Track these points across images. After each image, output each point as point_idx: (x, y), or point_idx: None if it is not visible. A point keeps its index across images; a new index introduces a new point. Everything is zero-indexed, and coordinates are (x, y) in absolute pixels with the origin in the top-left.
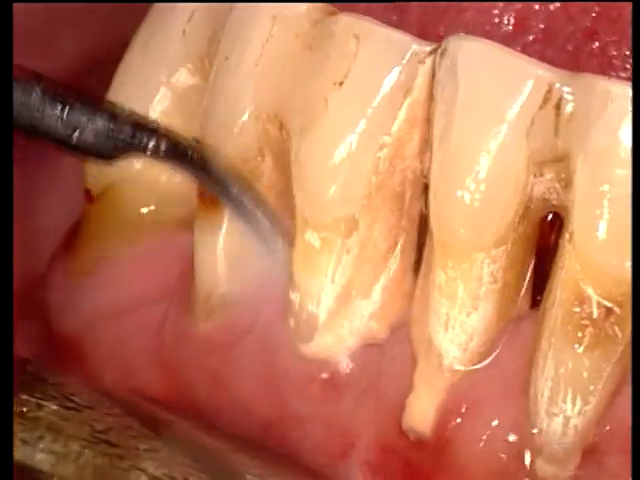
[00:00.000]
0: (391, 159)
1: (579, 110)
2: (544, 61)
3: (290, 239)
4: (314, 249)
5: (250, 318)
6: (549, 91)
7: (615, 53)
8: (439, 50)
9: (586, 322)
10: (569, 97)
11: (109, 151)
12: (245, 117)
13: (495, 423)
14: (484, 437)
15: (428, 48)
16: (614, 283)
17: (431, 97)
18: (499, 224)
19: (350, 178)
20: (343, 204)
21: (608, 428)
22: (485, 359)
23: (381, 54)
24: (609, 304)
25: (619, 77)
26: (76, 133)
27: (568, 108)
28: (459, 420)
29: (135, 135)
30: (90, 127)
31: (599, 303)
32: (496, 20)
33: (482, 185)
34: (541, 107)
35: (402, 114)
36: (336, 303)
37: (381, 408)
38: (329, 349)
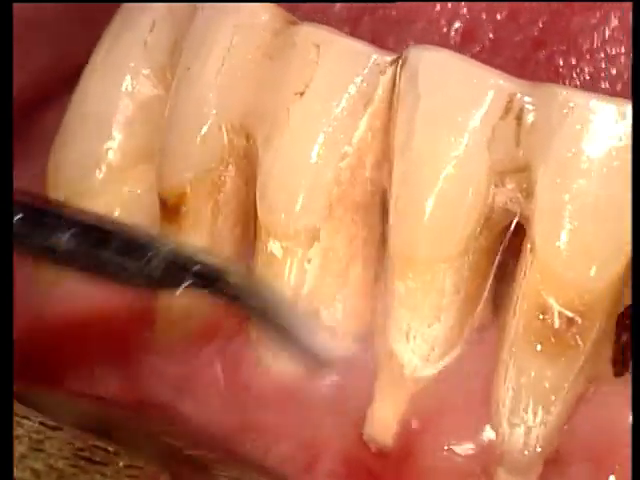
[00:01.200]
0: (352, 169)
1: (540, 120)
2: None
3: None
4: (276, 259)
5: (211, 328)
6: (510, 101)
7: (562, 62)
8: (400, 60)
9: (548, 332)
10: (530, 107)
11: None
12: (207, 127)
13: (457, 433)
14: (446, 447)
15: (389, 58)
16: (576, 293)
17: (392, 107)
18: (460, 235)
19: (312, 188)
20: (305, 214)
21: (570, 438)
22: (447, 369)
23: (342, 64)
24: (571, 314)
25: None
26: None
27: (529, 118)
28: (421, 430)
29: (167, 275)
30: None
31: (561, 313)
32: (444, 30)
33: (443, 196)
34: (502, 117)
35: (363, 124)
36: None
37: (345, 419)
38: (292, 360)
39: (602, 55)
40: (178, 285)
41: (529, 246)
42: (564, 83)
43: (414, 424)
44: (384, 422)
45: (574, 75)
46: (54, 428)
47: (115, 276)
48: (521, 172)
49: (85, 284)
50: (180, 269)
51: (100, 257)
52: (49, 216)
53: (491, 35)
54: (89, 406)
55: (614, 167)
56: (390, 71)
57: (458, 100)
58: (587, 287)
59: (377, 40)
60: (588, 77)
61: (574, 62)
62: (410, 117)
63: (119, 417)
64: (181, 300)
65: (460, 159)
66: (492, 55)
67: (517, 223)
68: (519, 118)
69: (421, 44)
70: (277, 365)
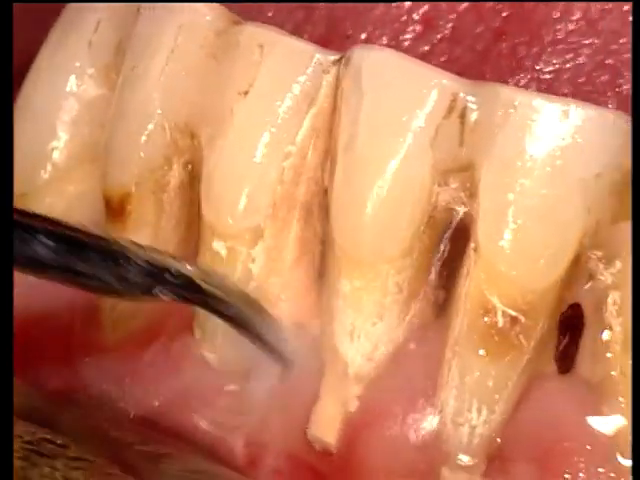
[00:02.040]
0: (296, 169)
1: (483, 119)
2: (451, 60)
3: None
4: (221, 258)
5: (155, 327)
6: (454, 100)
7: (525, 53)
8: (343, 60)
9: (491, 331)
10: (473, 106)
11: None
12: (151, 127)
13: (401, 432)
14: (390, 446)
15: (332, 57)
16: (519, 292)
17: (335, 107)
18: (404, 234)
19: (255, 188)
20: (248, 213)
21: (514, 436)
22: (391, 368)
23: (285, 63)
24: (514, 313)
25: (528, 78)
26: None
27: (472, 117)
28: (365, 429)
29: (144, 285)
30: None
31: (504, 312)
32: (404, 18)
33: (386, 195)
34: (445, 116)
35: (306, 124)
36: None
37: (289, 418)
38: (236, 360)
39: (565, 47)
40: (154, 293)
41: (472, 245)
42: (525, 75)
43: (358, 423)
44: (328, 421)
45: (537, 67)
46: None
47: (92, 286)
48: (465, 171)
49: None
50: (156, 279)
51: (76, 267)
52: (24, 227)
53: (451, 25)
54: (37, 401)
55: (557, 166)
56: (333, 71)
57: (401, 99)
58: (530, 286)
59: (335, 25)
60: (551, 68)
61: (537, 53)
62: (353, 117)
63: (67, 412)
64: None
65: (403, 158)
66: (452, 44)
67: (461, 222)
68: (462, 117)
69: (379, 31)
70: (221, 364)
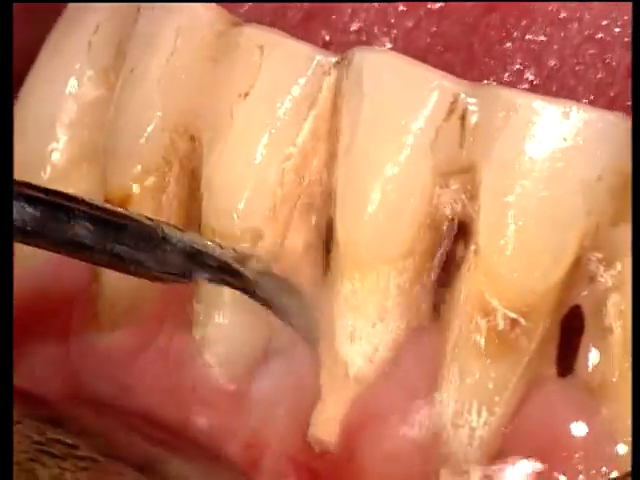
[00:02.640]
0: (297, 171)
1: (484, 121)
2: (439, 33)
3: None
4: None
5: (154, 327)
6: (454, 102)
7: (513, 25)
8: (344, 61)
9: (491, 333)
10: (474, 108)
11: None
12: (151, 129)
13: (401, 434)
14: (390, 448)
15: (333, 59)
16: (519, 294)
17: (336, 109)
18: (405, 236)
19: (255, 189)
20: (248, 215)
21: (513, 439)
22: (391, 370)
23: (285, 65)
24: (514, 315)
25: (516, 47)
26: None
27: (473, 119)
28: (364, 431)
29: (186, 269)
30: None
31: (504, 314)
32: None
33: (387, 197)
34: (446, 118)
35: (307, 126)
36: (243, 314)
37: (289, 419)
38: (236, 360)
39: (555, 19)
40: (195, 277)
41: (472, 247)
42: (513, 46)
43: (357, 425)
44: (328, 422)
45: (525, 37)
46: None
47: (132, 269)
48: (465, 173)
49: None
50: (197, 261)
51: (116, 250)
52: (64, 210)
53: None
54: (41, 400)
55: (558, 168)
56: (334, 72)
57: (402, 101)
58: (531, 288)
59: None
60: (540, 39)
61: (526, 25)
62: (354, 118)
63: (72, 412)
64: (124, 299)
65: (404, 160)
66: (440, 18)
67: (462, 224)
68: (463, 119)
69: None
70: (220, 364)
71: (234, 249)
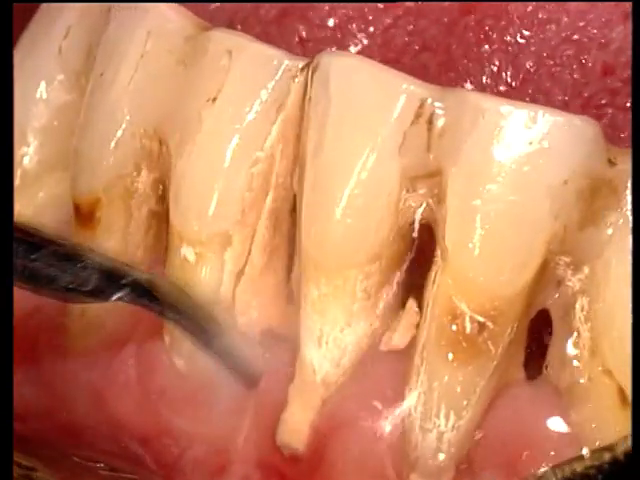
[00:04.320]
0: (265, 175)
1: (451, 125)
2: (416, 32)
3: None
4: (189, 265)
5: (125, 334)
6: (421, 106)
7: (491, 26)
8: (311, 66)
9: (459, 337)
10: (441, 112)
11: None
12: (120, 133)
13: (369, 438)
14: (358, 452)
15: (301, 64)
16: (487, 298)
17: (304, 113)
18: (373, 240)
19: (224, 194)
20: (217, 220)
21: (482, 442)
22: (359, 374)
23: (254, 70)
24: (482, 319)
25: (494, 48)
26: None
27: (440, 123)
28: (333, 435)
29: (100, 287)
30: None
31: (472, 318)
32: None
33: (354, 201)
34: (413, 122)
35: (275, 130)
36: None
37: (258, 424)
38: (205, 365)
39: (533, 21)
40: (110, 296)
41: (440, 251)
42: (491, 47)
43: (326, 429)
44: (296, 427)
45: (503, 39)
46: None
47: (46, 286)
48: (432, 177)
49: None
50: (112, 280)
51: (31, 268)
52: None
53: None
54: None
55: (525, 172)
56: (302, 77)
57: (369, 106)
58: (498, 292)
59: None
60: (517, 41)
61: (504, 26)
62: (321, 123)
63: (38, 435)
64: (93, 307)
65: (371, 165)
66: (418, 17)
67: (429, 228)
68: (430, 123)
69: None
70: (190, 370)
71: (148, 273)
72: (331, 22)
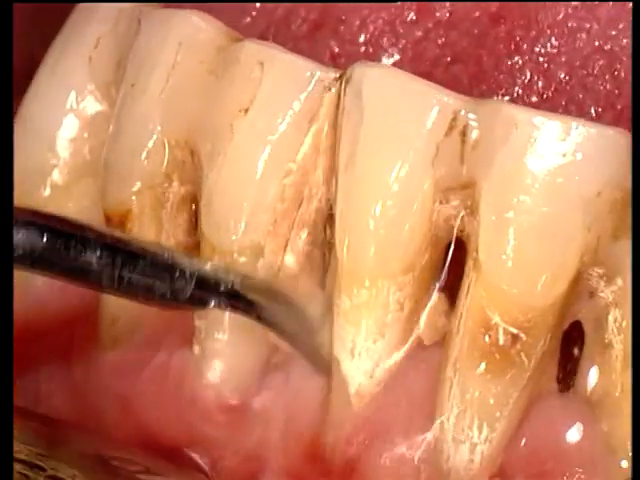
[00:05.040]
0: (297, 186)
1: (484, 137)
2: (447, 44)
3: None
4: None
5: (155, 343)
6: (454, 118)
7: (522, 37)
8: (344, 77)
9: (492, 349)
10: (474, 124)
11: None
12: (151, 143)
13: (402, 449)
14: (391, 463)
15: (333, 75)
16: (520, 310)
17: (337, 124)
18: (405, 251)
19: (255, 205)
20: (248, 231)
21: (515, 454)
22: (392, 386)
23: (286, 81)
24: (515, 331)
25: (525, 59)
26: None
27: (473, 135)
28: (366, 446)
29: (197, 296)
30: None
31: (505, 330)
32: (399, 3)
33: (388, 212)
34: (446, 134)
35: (307, 141)
36: (243, 330)
37: (289, 434)
38: (236, 376)
39: (563, 30)
40: (207, 304)
41: (472, 263)
42: (523, 58)
43: (359, 440)
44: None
45: (534, 49)
46: None
47: (142, 296)
48: (465, 189)
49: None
50: (206, 288)
51: (128, 278)
52: (76, 238)
53: (447, 10)
54: (37, 424)
55: (558, 184)
56: (335, 88)
57: (402, 117)
58: (531, 304)
59: (328, 9)
60: (548, 51)
61: (534, 37)
62: (354, 134)
63: (67, 435)
64: (124, 316)
65: (404, 176)
66: (448, 29)
67: (462, 240)
68: (463, 135)
69: (375, 15)
70: (221, 380)
71: (242, 274)
72: (362, 37)
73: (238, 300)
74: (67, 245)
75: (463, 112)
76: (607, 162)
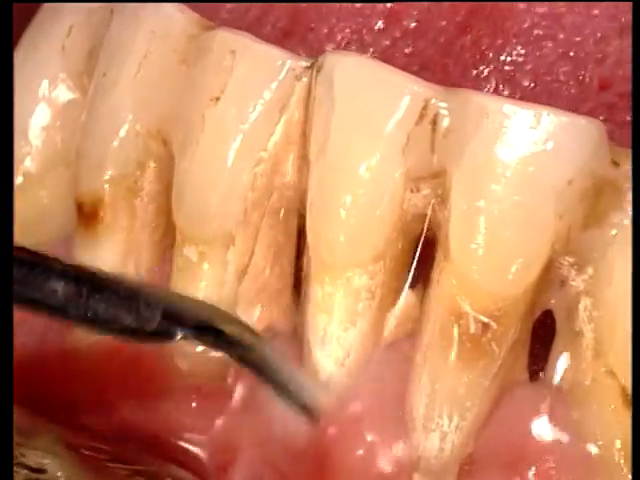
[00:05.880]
0: (268, 175)
1: (455, 126)
2: (415, 53)
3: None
4: (192, 264)
5: None
6: (425, 107)
7: (488, 45)
8: (315, 66)
9: (463, 337)
10: (445, 112)
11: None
12: (123, 132)
13: (373, 438)
14: (362, 452)
15: (304, 64)
16: (491, 299)
17: (308, 113)
18: (376, 240)
19: (226, 194)
20: (219, 220)
21: (486, 443)
22: (363, 374)
23: (257, 70)
24: (486, 319)
25: (491, 68)
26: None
27: (444, 124)
28: (337, 435)
29: (163, 327)
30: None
31: (476, 318)
32: (367, 12)
33: (358, 201)
34: (417, 123)
35: (279, 130)
36: None
37: (261, 422)
38: (208, 363)
39: (528, 39)
40: (173, 336)
41: (443, 252)
42: (488, 66)
43: (330, 429)
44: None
45: (500, 58)
46: None
47: (108, 328)
48: (436, 178)
49: None
50: (175, 320)
51: (93, 308)
52: (39, 268)
53: (414, 19)
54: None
55: (529, 173)
56: (306, 77)
57: (373, 106)
58: (502, 293)
59: (297, 17)
60: (514, 59)
61: (500, 45)
62: (325, 123)
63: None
64: None
65: (375, 165)
66: (415, 38)
67: (433, 229)
68: (434, 124)
69: (341, 24)
70: (193, 368)
71: (212, 306)
72: (330, 46)
73: (207, 332)
74: (30, 275)
75: (434, 101)
76: (579, 151)
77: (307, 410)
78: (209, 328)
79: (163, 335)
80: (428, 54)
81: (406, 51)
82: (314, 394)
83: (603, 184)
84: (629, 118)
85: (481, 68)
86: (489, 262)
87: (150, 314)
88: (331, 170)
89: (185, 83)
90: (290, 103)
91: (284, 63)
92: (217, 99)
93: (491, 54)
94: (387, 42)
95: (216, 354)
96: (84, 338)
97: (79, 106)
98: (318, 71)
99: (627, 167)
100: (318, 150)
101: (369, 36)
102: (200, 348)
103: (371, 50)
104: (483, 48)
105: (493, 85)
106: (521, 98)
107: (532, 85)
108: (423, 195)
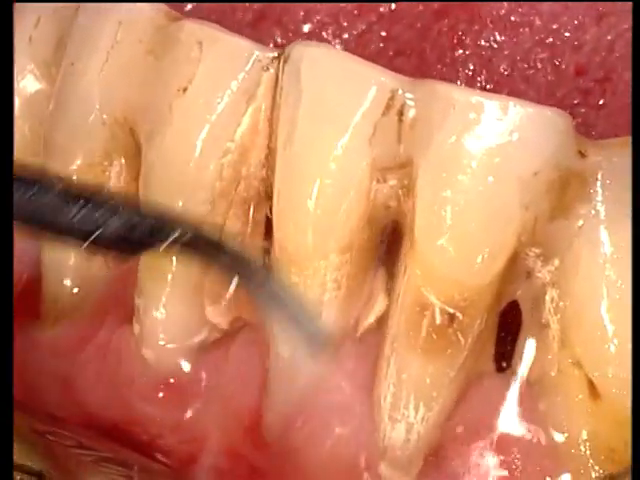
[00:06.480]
0: (235, 165)
1: (421, 116)
2: (390, 38)
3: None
4: (158, 254)
5: (96, 322)
6: (392, 98)
7: (465, 30)
8: (282, 56)
9: (429, 328)
10: (411, 103)
11: (129, 248)
12: (90, 122)
13: (340, 429)
14: (329, 442)
15: (271, 55)
16: (456, 289)
17: (275, 104)
18: (342, 231)
19: (194, 184)
20: (186, 209)
21: (452, 434)
22: (330, 365)
23: (224, 60)
24: (452, 310)
25: (468, 53)
26: (95, 231)
27: (410, 114)
28: (304, 425)
29: (155, 230)
30: (109, 226)
31: (442, 309)
32: None
33: (325, 192)
34: (384, 113)
35: (246, 121)
36: (181, 308)
37: (228, 412)
38: (174, 354)
39: (506, 25)
40: (162, 240)
41: (409, 242)
42: (465, 52)
43: (297, 418)
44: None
45: (477, 43)
46: None
47: (96, 237)
48: (403, 168)
49: None
50: (164, 227)
51: (82, 215)
52: (29, 180)
53: (390, 5)
54: None
55: (495, 164)
56: (273, 68)
57: (340, 96)
58: (468, 283)
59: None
60: (491, 45)
61: (477, 30)
62: (292, 113)
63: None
64: (66, 295)
65: (342, 155)
66: (391, 23)
67: (399, 219)
68: (400, 114)
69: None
70: (159, 359)
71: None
72: (306, 28)
73: (196, 241)
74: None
75: (400, 91)
76: (545, 142)
77: (314, 338)
78: (198, 237)
79: (152, 240)
80: (404, 38)
81: (382, 35)
82: (315, 324)
83: (569, 175)
84: (603, 102)
85: (457, 53)
86: (454, 252)
87: (139, 220)
88: (297, 160)
89: (152, 74)
90: (257, 94)
91: (251, 54)
92: (185, 90)
93: (468, 39)
94: (363, 26)
95: (184, 344)
96: (51, 326)
97: (47, 96)
98: (285, 62)
99: (594, 158)
100: (285, 140)
101: (345, 19)
102: (163, 342)
103: (346, 34)
104: (460, 34)
105: (470, 69)
106: (497, 83)
107: (508, 70)
108: (390, 185)
